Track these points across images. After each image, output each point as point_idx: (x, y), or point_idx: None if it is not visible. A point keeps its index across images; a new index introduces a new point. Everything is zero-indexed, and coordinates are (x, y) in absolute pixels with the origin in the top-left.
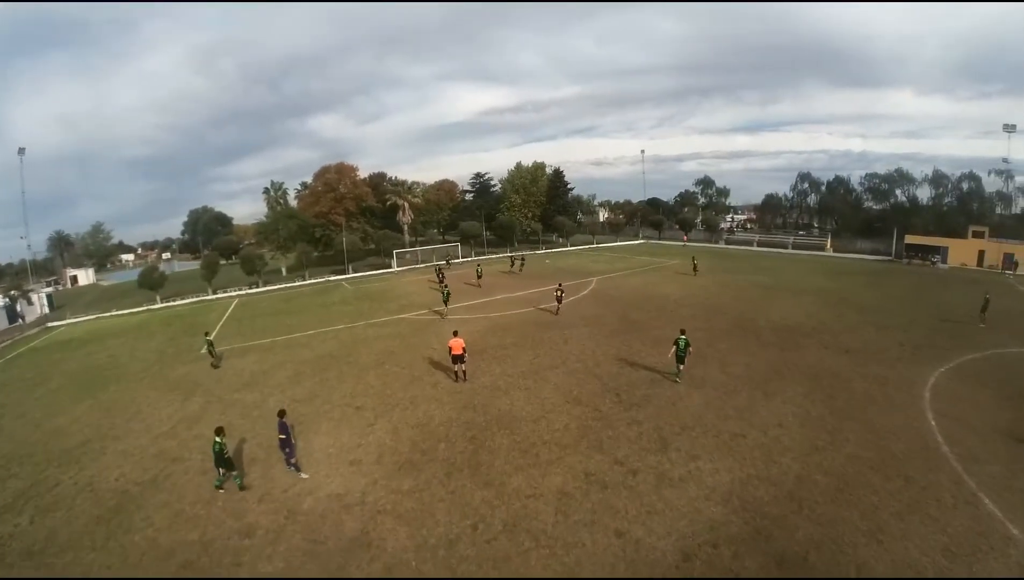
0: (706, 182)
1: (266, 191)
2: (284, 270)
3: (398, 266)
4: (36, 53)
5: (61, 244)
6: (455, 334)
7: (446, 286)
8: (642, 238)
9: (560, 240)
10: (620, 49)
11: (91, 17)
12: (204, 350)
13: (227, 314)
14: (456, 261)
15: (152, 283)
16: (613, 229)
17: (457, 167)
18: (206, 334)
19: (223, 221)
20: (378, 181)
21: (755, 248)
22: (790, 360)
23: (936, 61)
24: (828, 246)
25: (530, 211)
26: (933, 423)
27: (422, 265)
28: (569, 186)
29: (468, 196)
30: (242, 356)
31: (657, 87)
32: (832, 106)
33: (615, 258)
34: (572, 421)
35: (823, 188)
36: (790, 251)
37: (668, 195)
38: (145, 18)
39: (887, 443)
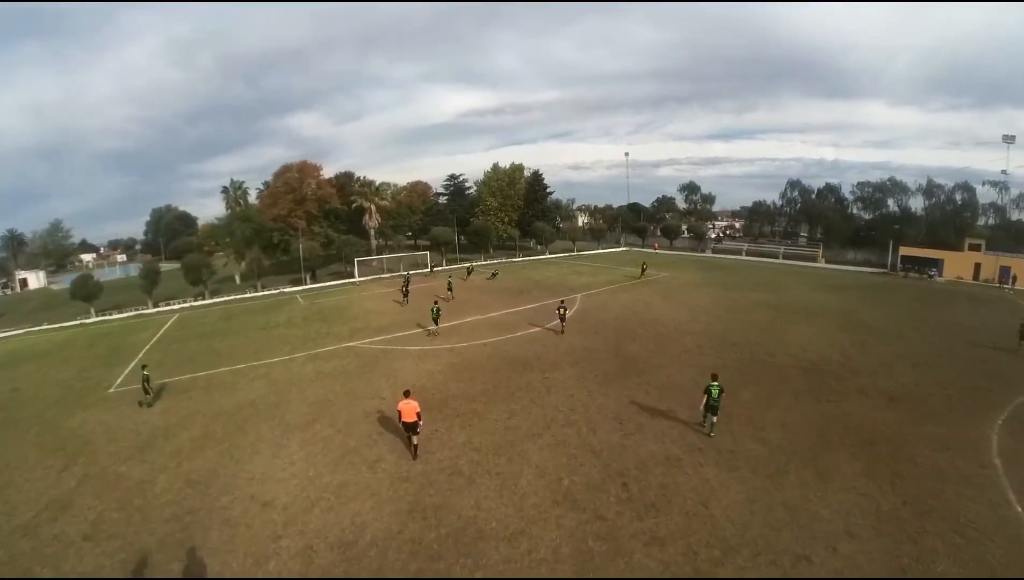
0: (691, 188)
1: (224, 190)
2: (238, 278)
3: (361, 276)
4: (7, 41)
5: (13, 243)
6: (406, 395)
7: (435, 305)
8: (624, 245)
9: (538, 247)
10: (600, 55)
11: (69, 6)
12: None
13: (159, 334)
14: (440, 269)
15: (86, 293)
16: (594, 235)
17: (437, 169)
18: (143, 368)
19: (187, 221)
20: (345, 181)
21: (744, 257)
22: (832, 416)
23: (908, 74)
24: (820, 257)
25: (507, 216)
26: (1019, 509)
27: (388, 274)
28: (548, 190)
29: (442, 199)
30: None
31: (636, 93)
32: (806, 115)
33: (598, 269)
34: (564, 540)
35: (813, 196)
36: (781, 261)
37: (646, 200)
38: (124, 8)
39: (982, 551)
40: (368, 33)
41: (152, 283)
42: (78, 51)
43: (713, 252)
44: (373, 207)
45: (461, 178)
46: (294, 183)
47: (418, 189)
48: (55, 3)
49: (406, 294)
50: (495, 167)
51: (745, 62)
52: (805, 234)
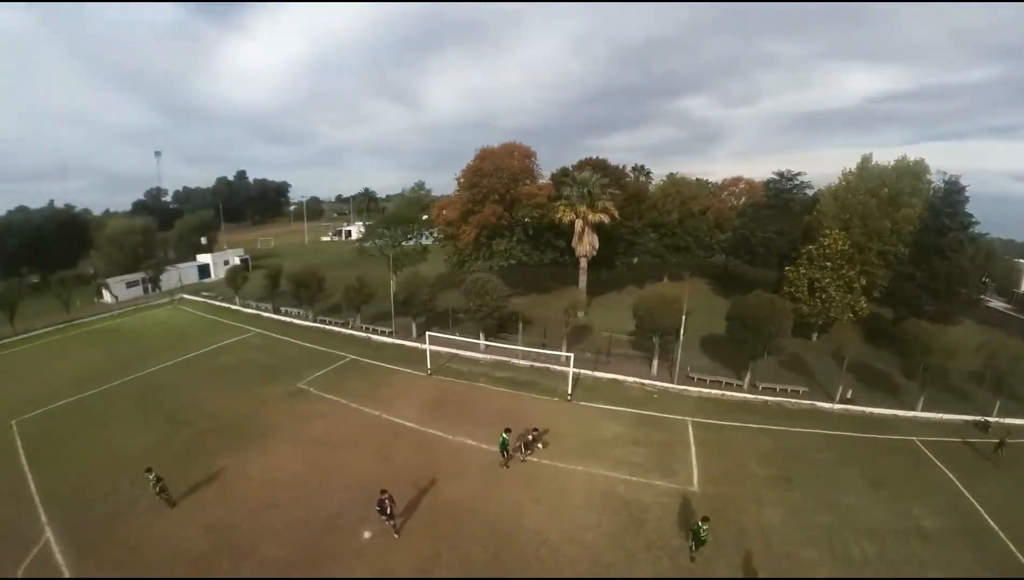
0: None
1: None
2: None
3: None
4: (437, 47)
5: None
6: None
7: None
8: None
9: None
10: None
11: (481, 16)
12: None
13: None
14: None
15: None
16: None
17: (836, 164)
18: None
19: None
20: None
21: None
22: None
23: None
24: None
25: (864, 273)
26: None
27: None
28: (971, 221)
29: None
30: None
31: None
32: None
33: None
34: None
35: None
36: None
37: None
38: (526, 12)
39: None
40: (754, 9)
41: None
42: (491, 53)
43: None
44: (579, 223)
45: (798, 178)
46: (477, 175)
47: (734, 189)
48: (469, 3)
49: None
50: (862, 165)
51: None
52: None
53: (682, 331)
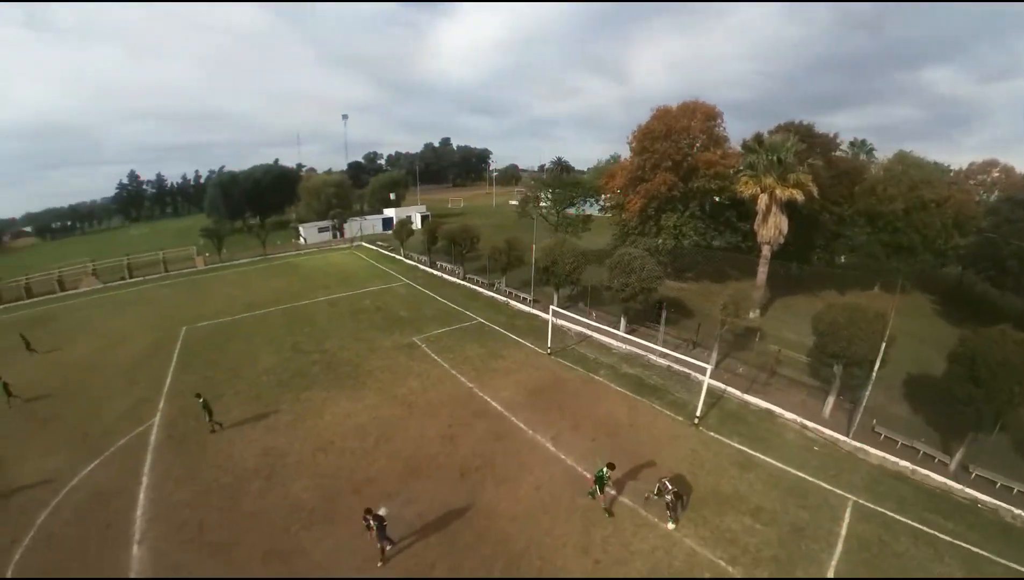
0: None
1: None
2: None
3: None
4: (646, 17)
5: None
6: None
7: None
8: None
9: None
10: None
11: None
12: None
13: None
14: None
15: None
16: None
17: None
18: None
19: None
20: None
21: None
22: None
23: None
24: None
25: None
26: None
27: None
28: None
29: None
30: None
31: None
32: None
33: None
34: None
35: None
36: None
37: None
38: None
39: None
40: None
41: None
42: (699, 20)
43: None
44: (764, 199)
45: None
46: (649, 137)
47: (984, 177)
48: None
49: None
50: None
51: None
52: None
53: (877, 364)
